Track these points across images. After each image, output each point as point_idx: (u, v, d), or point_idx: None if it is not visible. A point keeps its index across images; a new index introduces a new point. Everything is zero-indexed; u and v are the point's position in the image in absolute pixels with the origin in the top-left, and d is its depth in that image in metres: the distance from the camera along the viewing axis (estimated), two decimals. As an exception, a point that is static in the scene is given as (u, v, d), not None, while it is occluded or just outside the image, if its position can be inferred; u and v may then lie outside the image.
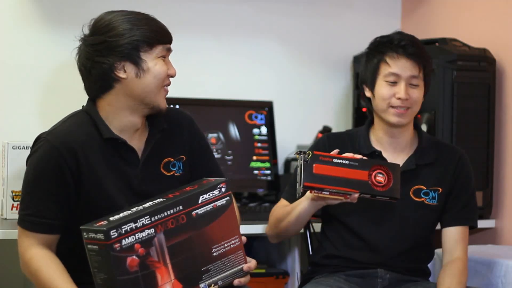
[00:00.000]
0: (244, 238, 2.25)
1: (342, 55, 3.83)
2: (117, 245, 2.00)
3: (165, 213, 2.07)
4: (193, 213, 2.11)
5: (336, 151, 2.49)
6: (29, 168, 2.27)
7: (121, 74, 2.25)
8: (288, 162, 3.67)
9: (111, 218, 2.05)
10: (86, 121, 2.31)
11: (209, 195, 2.14)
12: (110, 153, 2.29)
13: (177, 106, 3.26)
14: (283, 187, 3.47)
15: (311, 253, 2.86)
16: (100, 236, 2.00)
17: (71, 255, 2.28)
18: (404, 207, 2.62)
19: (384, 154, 2.65)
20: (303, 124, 3.81)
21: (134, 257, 2.02)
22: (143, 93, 2.27)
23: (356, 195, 2.44)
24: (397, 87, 2.58)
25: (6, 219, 2.92)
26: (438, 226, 2.72)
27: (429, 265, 2.76)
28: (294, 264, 3.31)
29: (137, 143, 2.33)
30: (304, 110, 3.83)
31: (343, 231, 2.66)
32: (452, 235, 2.64)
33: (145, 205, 2.10)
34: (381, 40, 2.64)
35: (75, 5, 3.42)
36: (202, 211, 2.13)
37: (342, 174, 2.42)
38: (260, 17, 3.75)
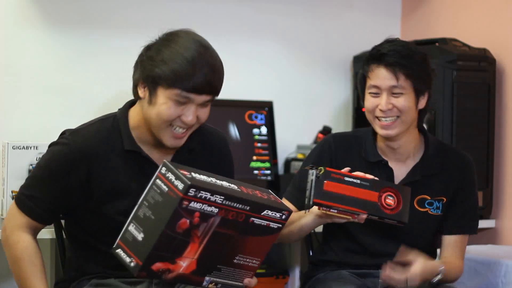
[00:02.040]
0: (255, 281, 2.19)
1: (342, 55, 3.84)
2: (185, 203, 1.95)
3: (235, 205, 2.02)
4: (251, 219, 2.07)
5: (347, 169, 2.46)
6: (44, 156, 2.30)
7: (140, 93, 2.23)
8: (288, 162, 3.67)
9: (193, 174, 1.99)
10: (113, 128, 2.28)
11: (272, 213, 2.10)
12: (130, 165, 2.27)
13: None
14: (283, 187, 3.48)
15: (311, 253, 2.86)
16: (179, 184, 1.95)
17: (86, 247, 2.30)
18: (409, 217, 2.60)
19: (390, 164, 2.62)
20: (303, 124, 3.81)
21: (188, 221, 1.98)
22: (148, 120, 2.23)
23: (364, 216, 2.41)
24: (379, 99, 2.54)
25: (6, 219, 2.92)
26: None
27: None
28: (294, 264, 3.31)
29: (163, 157, 2.28)
30: (304, 110, 3.83)
31: (345, 239, 2.64)
32: (450, 243, 2.63)
33: (223, 183, 2.05)
34: (369, 51, 2.61)
35: (75, 5, 3.42)
36: (257, 223, 2.09)
37: (352, 193, 2.39)
38: (260, 17, 3.74)
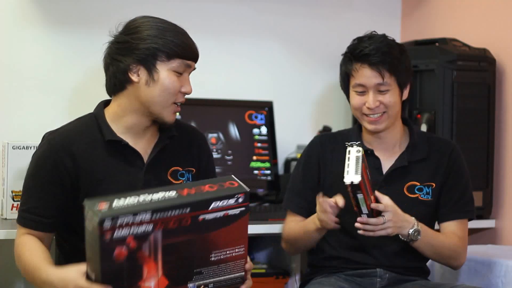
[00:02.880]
0: (250, 265, 2.16)
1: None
2: (107, 236, 1.92)
3: (170, 213, 1.98)
4: (200, 217, 2.01)
5: None
6: (29, 166, 2.31)
7: (134, 77, 2.26)
8: (288, 162, 3.67)
9: (114, 203, 1.96)
10: (92, 123, 2.32)
11: (223, 202, 2.03)
12: (113, 155, 2.29)
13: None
14: (283, 187, 3.48)
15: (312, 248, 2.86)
16: (95, 220, 1.93)
17: (76, 256, 2.28)
18: (399, 204, 2.61)
19: (376, 153, 2.66)
20: (303, 124, 3.81)
21: (123, 249, 1.95)
22: (149, 102, 2.27)
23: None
24: (366, 96, 2.58)
25: (6, 219, 2.92)
26: (437, 225, 2.72)
27: (428, 264, 2.76)
28: (294, 264, 3.31)
29: (144, 146, 2.34)
30: (304, 110, 3.83)
31: (339, 232, 2.66)
32: (450, 229, 2.64)
33: (153, 196, 2.00)
34: (348, 49, 2.64)
35: (75, 5, 3.42)
36: (211, 217, 2.02)
37: (368, 185, 2.40)
38: (260, 17, 3.74)
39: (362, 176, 2.33)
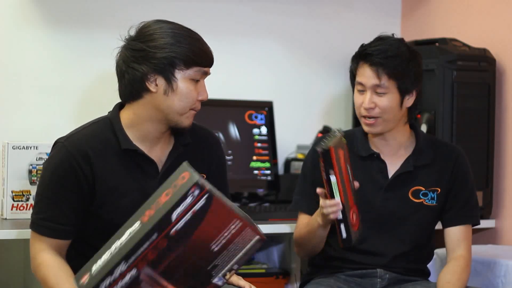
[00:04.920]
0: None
1: (342, 55, 3.83)
2: None
3: (140, 250, 1.92)
4: (172, 232, 1.94)
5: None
6: (45, 173, 2.26)
7: (152, 87, 2.23)
8: (288, 162, 3.67)
9: (93, 269, 1.94)
10: (106, 129, 2.28)
11: (182, 206, 1.93)
12: (128, 163, 2.27)
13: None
14: (283, 187, 3.49)
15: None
16: None
17: (79, 259, 2.28)
18: (404, 209, 2.62)
19: (382, 156, 2.65)
20: (303, 124, 3.81)
21: None
22: (167, 111, 2.24)
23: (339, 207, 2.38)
24: (364, 96, 2.58)
25: (6, 219, 2.92)
26: (438, 226, 2.72)
27: (429, 265, 2.76)
28: (294, 264, 3.31)
29: (159, 154, 2.31)
30: (304, 110, 3.83)
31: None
32: (455, 234, 2.65)
33: (122, 239, 1.94)
34: (359, 48, 2.64)
35: (75, 5, 3.42)
36: (181, 225, 1.94)
37: (346, 181, 2.38)
38: (260, 17, 3.75)
39: (336, 148, 2.31)
